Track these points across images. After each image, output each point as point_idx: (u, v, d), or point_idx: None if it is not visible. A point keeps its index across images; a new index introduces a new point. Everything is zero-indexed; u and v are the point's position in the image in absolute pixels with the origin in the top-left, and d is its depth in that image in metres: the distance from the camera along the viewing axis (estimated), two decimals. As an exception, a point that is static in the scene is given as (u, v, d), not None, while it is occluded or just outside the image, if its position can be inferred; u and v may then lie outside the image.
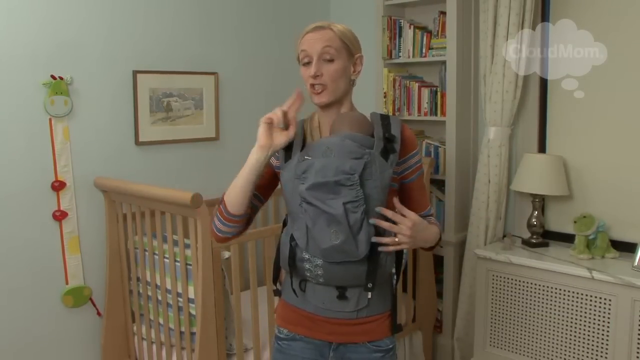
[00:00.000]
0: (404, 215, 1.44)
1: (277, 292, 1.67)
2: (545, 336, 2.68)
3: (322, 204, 1.40)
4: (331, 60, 1.54)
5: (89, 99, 2.64)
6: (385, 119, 1.55)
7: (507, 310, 2.80)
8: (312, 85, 1.56)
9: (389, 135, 1.51)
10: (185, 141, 2.99)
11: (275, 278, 1.64)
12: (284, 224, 1.59)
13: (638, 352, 2.41)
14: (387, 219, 1.44)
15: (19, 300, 2.49)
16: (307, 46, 1.55)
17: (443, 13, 3.10)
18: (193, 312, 2.29)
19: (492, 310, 2.85)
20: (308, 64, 1.55)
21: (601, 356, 2.52)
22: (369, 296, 1.51)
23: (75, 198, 2.62)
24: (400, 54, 3.29)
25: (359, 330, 1.56)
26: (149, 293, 2.53)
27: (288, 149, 1.55)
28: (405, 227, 1.42)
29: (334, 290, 1.51)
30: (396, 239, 1.43)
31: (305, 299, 1.56)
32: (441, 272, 3.21)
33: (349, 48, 1.57)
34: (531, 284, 2.70)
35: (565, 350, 2.62)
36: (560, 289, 2.61)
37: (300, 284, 1.55)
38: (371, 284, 1.46)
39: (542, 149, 2.96)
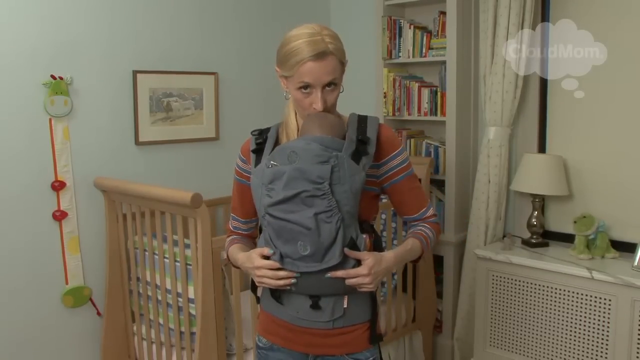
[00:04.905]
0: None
1: (258, 300, 1.62)
2: (545, 336, 2.68)
3: (287, 215, 1.37)
4: (334, 86, 1.47)
5: (89, 99, 2.64)
6: (362, 121, 1.49)
7: (507, 310, 2.80)
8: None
9: (362, 137, 1.44)
10: (185, 141, 2.99)
11: (254, 285, 1.57)
12: (260, 228, 1.56)
13: (638, 352, 2.41)
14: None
15: (19, 300, 2.49)
16: (311, 79, 1.43)
17: (443, 13, 3.10)
18: (193, 312, 2.29)
19: (492, 310, 2.85)
20: (306, 89, 1.45)
21: (601, 356, 2.52)
22: (345, 305, 1.47)
23: (75, 198, 2.62)
24: (400, 54, 3.29)
25: (337, 342, 1.50)
26: (149, 293, 2.53)
27: (258, 152, 1.52)
28: (363, 276, 1.39)
29: (307, 299, 1.46)
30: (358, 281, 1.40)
31: (281, 308, 1.52)
32: (441, 272, 3.21)
33: (343, 64, 1.50)
34: (531, 284, 2.70)
35: (565, 350, 2.62)
36: (560, 289, 2.61)
37: (275, 292, 1.50)
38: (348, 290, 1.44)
39: (542, 149, 2.96)
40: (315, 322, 1.49)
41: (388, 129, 1.54)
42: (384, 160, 1.52)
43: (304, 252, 1.37)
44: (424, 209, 1.58)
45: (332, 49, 1.44)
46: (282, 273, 1.42)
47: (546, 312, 2.66)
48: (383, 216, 2.93)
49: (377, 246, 1.50)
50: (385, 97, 3.33)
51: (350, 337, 1.51)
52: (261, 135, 1.56)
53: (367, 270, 1.39)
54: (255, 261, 1.44)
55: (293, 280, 1.42)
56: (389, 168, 1.52)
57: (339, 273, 1.39)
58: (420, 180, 1.76)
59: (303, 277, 1.42)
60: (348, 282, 1.41)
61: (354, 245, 1.40)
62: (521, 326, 2.76)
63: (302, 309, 1.48)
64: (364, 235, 1.44)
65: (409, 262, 1.57)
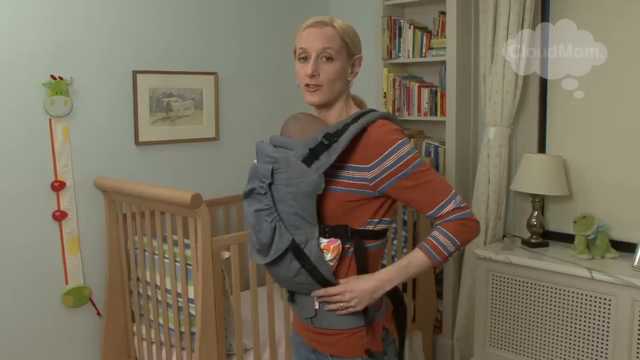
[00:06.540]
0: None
1: None
2: (545, 336, 2.68)
3: (246, 208, 1.47)
4: (330, 60, 1.45)
5: (89, 99, 2.64)
6: (353, 120, 1.43)
7: (507, 310, 2.80)
8: (307, 84, 1.47)
9: (327, 140, 1.38)
10: (185, 141, 2.99)
11: None
12: None
13: (638, 352, 2.41)
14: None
15: (19, 300, 2.49)
16: (306, 43, 1.46)
17: (443, 13, 3.10)
18: (193, 312, 2.29)
19: (492, 310, 2.85)
20: (305, 59, 1.47)
21: (601, 356, 2.52)
22: (316, 307, 1.46)
23: (75, 198, 2.62)
24: (400, 54, 3.29)
25: (322, 340, 1.50)
26: (149, 293, 2.53)
27: None
28: (345, 300, 1.42)
29: (287, 291, 1.55)
30: (341, 304, 1.43)
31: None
32: (441, 272, 3.21)
33: (349, 48, 1.48)
34: (531, 284, 2.70)
35: (565, 350, 2.62)
36: (560, 289, 2.61)
37: None
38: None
39: (542, 149, 2.96)
40: (299, 314, 1.55)
41: (380, 129, 1.42)
42: (372, 163, 1.40)
43: (256, 245, 1.46)
44: (439, 205, 1.40)
45: (335, 25, 1.48)
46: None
47: (546, 312, 2.66)
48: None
49: (357, 253, 1.45)
50: (385, 97, 3.33)
51: (335, 340, 1.48)
52: None
53: (342, 287, 1.42)
54: None
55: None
56: (381, 170, 1.39)
57: (320, 292, 1.43)
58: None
59: (268, 268, 1.49)
60: (329, 307, 1.45)
61: (297, 249, 1.38)
62: (521, 326, 2.76)
63: (286, 299, 1.58)
64: (326, 240, 1.40)
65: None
